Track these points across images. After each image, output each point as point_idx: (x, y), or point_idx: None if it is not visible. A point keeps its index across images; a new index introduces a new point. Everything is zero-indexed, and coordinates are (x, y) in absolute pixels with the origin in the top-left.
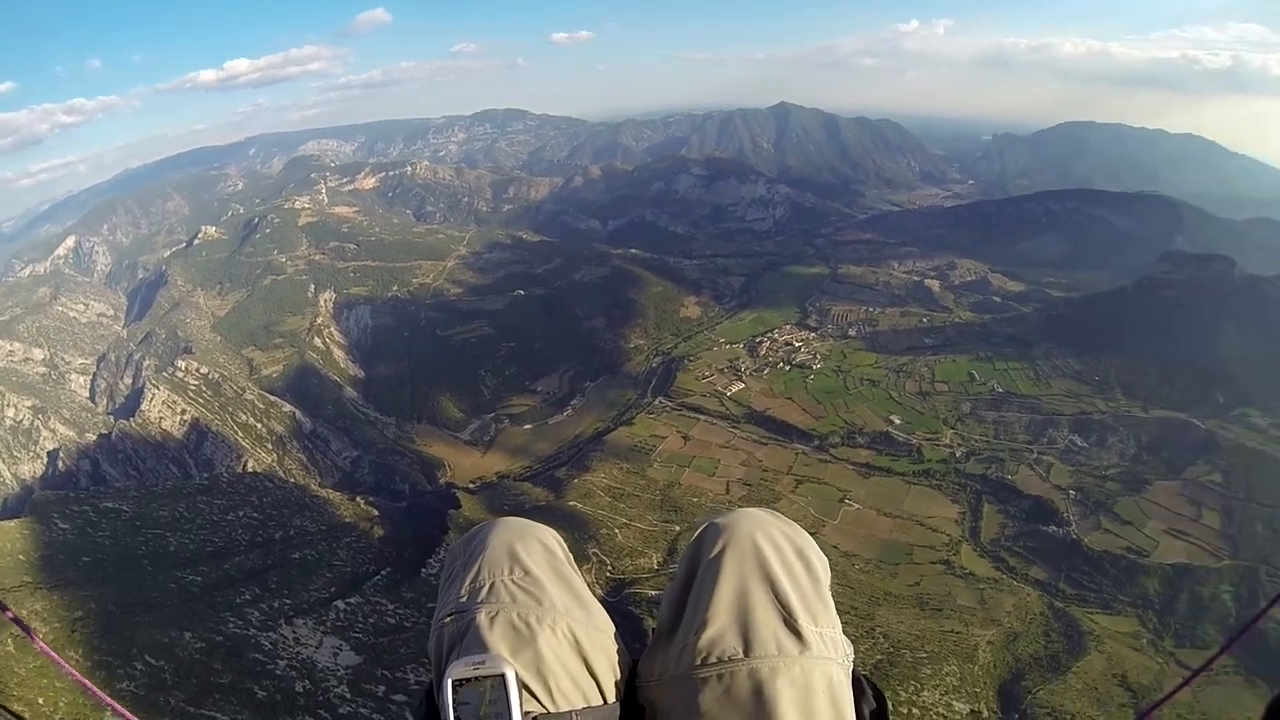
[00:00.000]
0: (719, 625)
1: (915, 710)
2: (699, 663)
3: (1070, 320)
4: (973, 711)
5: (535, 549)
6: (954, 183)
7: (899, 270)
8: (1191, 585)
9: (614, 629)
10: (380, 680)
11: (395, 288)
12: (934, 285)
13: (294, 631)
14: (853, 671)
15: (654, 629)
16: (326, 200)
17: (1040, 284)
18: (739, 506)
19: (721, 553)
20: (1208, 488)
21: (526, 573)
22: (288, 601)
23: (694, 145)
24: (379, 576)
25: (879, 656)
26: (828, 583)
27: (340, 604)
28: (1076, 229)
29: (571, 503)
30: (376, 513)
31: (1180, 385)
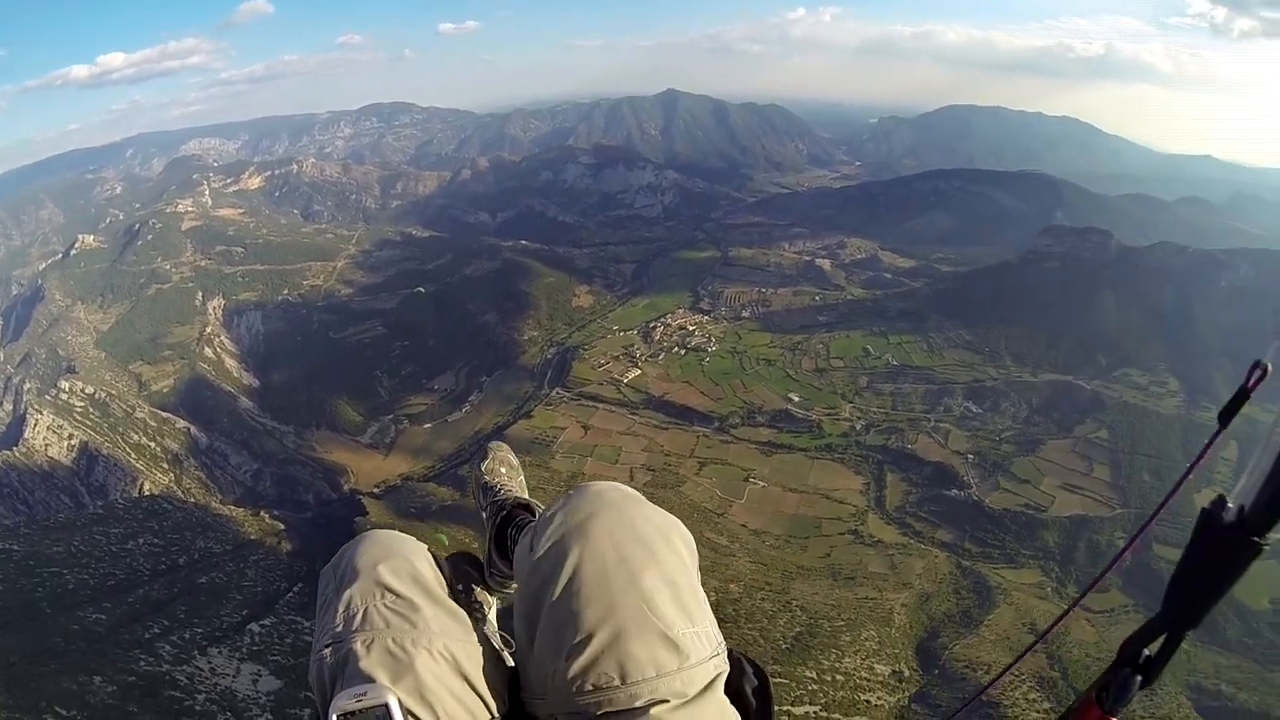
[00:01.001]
0: (590, 652)
1: (839, 677)
2: (574, 690)
3: (960, 293)
4: (894, 672)
5: (403, 569)
6: (842, 164)
7: (790, 251)
8: (1088, 535)
9: (495, 640)
10: (305, 703)
11: (286, 291)
12: (825, 264)
13: (209, 662)
14: (730, 653)
15: (513, 639)
16: (211, 202)
17: (929, 260)
18: (587, 484)
19: (581, 566)
20: (1096, 444)
21: (397, 595)
22: (199, 630)
23: (582, 134)
24: (291, 594)
25: (798, 629)
26: (695, 562)
27: (254, 627)
28: (963, 206)
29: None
30: (282, 526)
31: (1065, 350)
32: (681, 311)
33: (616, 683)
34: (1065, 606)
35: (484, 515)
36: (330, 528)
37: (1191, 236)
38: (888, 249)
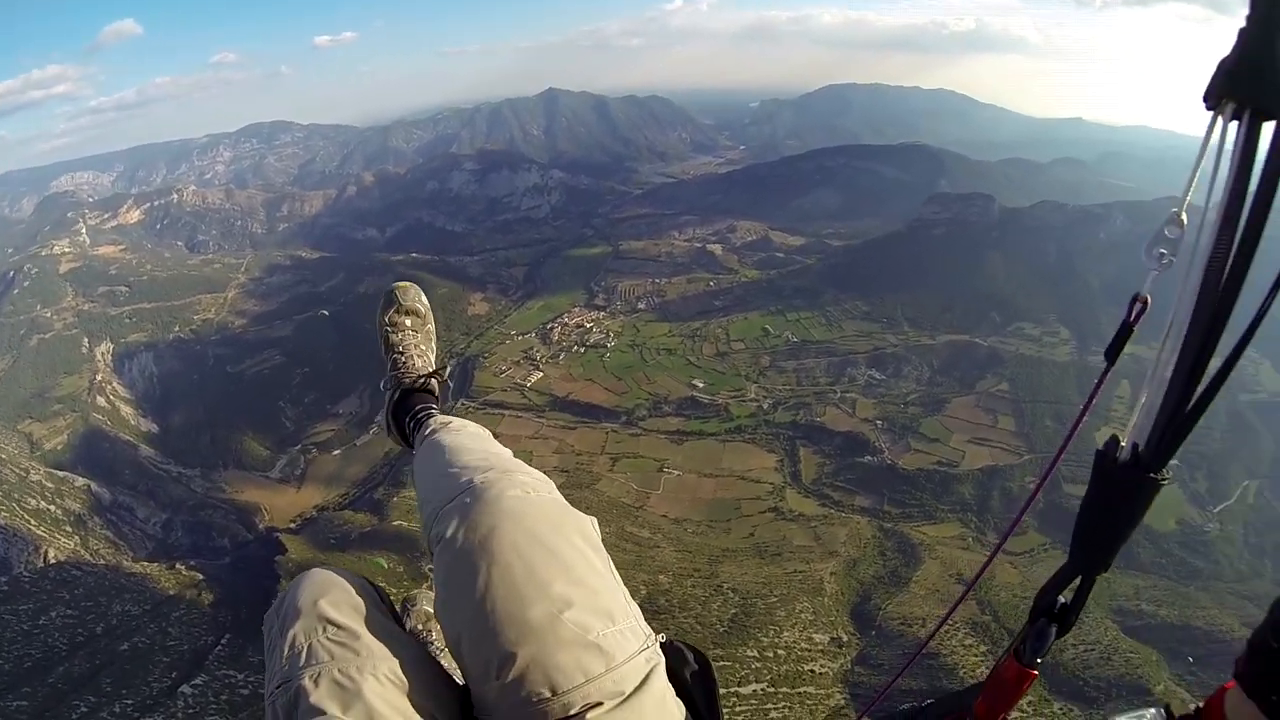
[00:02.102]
0: (517, 670)
1: (780, 651)
2: (510, 706)
3: (852, 266)
4: (832, 639)
5: (342, 600)
6: (726, 149)
7: (680, 239)
8: (1000, 483)
9: (444, 660)
10: None
11: (177, 328)
12: (716, 249)
13: None
14: (668, 642)
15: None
16: (89, 241)
17: (820, 236)
18: (484, 487)
19: (490, 585)
20: (999, 396)
21: (339, 627)
22: (129, 702)
23: (465, 141)
24: (220, 647)
25: (733, 610)
26: (604, 557)
27: (186, 689)
28: (848, 182)
29: (396, 523)
30: (201, 576)
31: (960, 311)
32: (577, 310)
33: (548, 695)
34: (987, 554)
35: (386, 377)
36: (250, 570)
37: (1068, 194)
38: (778, 229)
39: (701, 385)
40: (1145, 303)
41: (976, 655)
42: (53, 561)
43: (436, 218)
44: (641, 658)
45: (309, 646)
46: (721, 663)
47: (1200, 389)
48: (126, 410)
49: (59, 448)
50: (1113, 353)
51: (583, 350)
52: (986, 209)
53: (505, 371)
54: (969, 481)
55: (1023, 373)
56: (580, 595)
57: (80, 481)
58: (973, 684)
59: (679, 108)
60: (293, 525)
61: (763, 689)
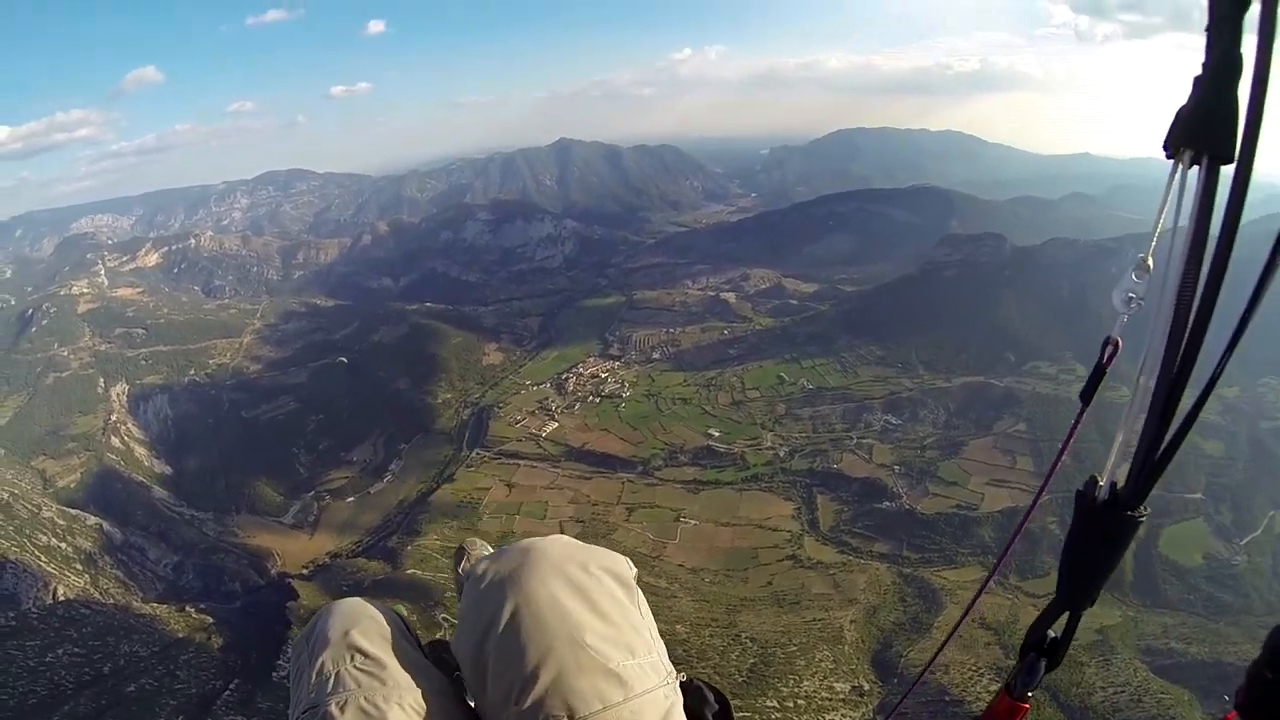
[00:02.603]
0: (536, 693)
1: (800, 701)
2: None
3: (866, 311)
4: (854, 688)
5: (371, 630)
6: (737, 197)
7: (694, 288)
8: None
9: (460, 692)
10: None
11: (192, 371)
12: (730, 298)
13: None
14: (689, 681)
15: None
16: (107, 283)
17: (833, 282)
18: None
19: (516, 612)
20: (1016, 437)
21: (366, 656)
22: None
23: (478, 190)
24: (229, 692)
25: (751, 660)
26: (638, 593)
27: None
28: (860, 226)
29: (410, 571)
30: (211, 620)
31: (975, 353)
32: (592, 360)
33: (565, 719)
34: (1010, 597)
35: None
36: (261, 616)
37: (1079, 230)
38: (790, 276)
39: (717, 434)
40: (1117, 345)
41: None
42: (62, 599)
43: (451, 267)
44: (660, 693)
45: (337, 674)
46: (741, 714)
47: (1173, 428)
48: (140, 451)
49: (72, 486)
50: (1088, 394)
51: (598, 400)
52: (998, 248)
53: (520, 421)
54: (989, 524)
55: (1040, 412)
56: (604, 628)
57: (92, 520)
58: (976, 716)
59: (690, 156)
60: (305, 571)
61: None
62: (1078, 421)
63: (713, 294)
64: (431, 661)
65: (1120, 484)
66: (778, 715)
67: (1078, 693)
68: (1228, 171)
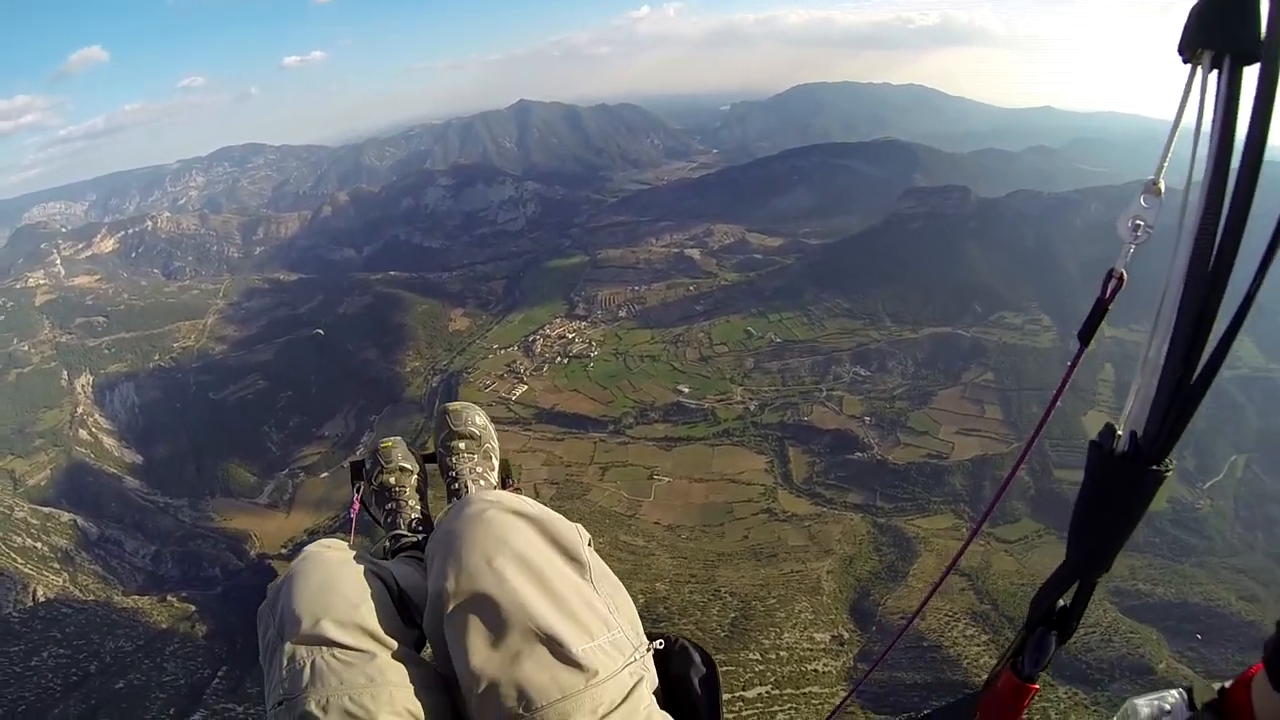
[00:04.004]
0: (487, 684)
1: (782, 653)
2: (488, 718)
3: (831, 264)
4: (834, 637)
5: (344, 614)
6: (699, 154)
7: (657, 246)
8: (991, 472)
9: (448, 679)
10: None
11: (157, 357)
12: (695, 254)
13: None
14: (673, 643)
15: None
16: (64, 272)
17: (797, 236)
18: (466, 500)
19: (459, 593)
20: (984, 386)
21: (345, 646)
22: None
23: (438, 156)
24: (218, 680)
25: (732, 614)
26: (594, 563)
27: None
28: (823, 180)
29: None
30: (194, 608)
31: (941, 303)
32: (559, 321)
33: (521, 712)
34: (978, 542)
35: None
36: (243, 599)
37: (1042, 182)
38: (755, 230)
39: (687, 390)
40: (1121, 279)
41: (978, 645)
42: (42, 600)
43: (413, 235)
44: (626, 672)
45: (312, 664)
46: (725, 668)
47: (1200, 368)
48: (109, 442)
49: (42, 483)
50: (1086, 333)
51: (566, 361)
52: (962, 200)
53: (490, 386)
54: (959, 472)
55: (1007, 361)
56: (559, 613)
57: (66, 517)
58: (967, 695)
59: (650, 114)
60: (284, 551)
61: (767, 691)
62: (1076, 362)
63: (677, 251)
64: (394, 551)
65: (1140, 434)
66: (761, 668)
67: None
68: (1252, 74)
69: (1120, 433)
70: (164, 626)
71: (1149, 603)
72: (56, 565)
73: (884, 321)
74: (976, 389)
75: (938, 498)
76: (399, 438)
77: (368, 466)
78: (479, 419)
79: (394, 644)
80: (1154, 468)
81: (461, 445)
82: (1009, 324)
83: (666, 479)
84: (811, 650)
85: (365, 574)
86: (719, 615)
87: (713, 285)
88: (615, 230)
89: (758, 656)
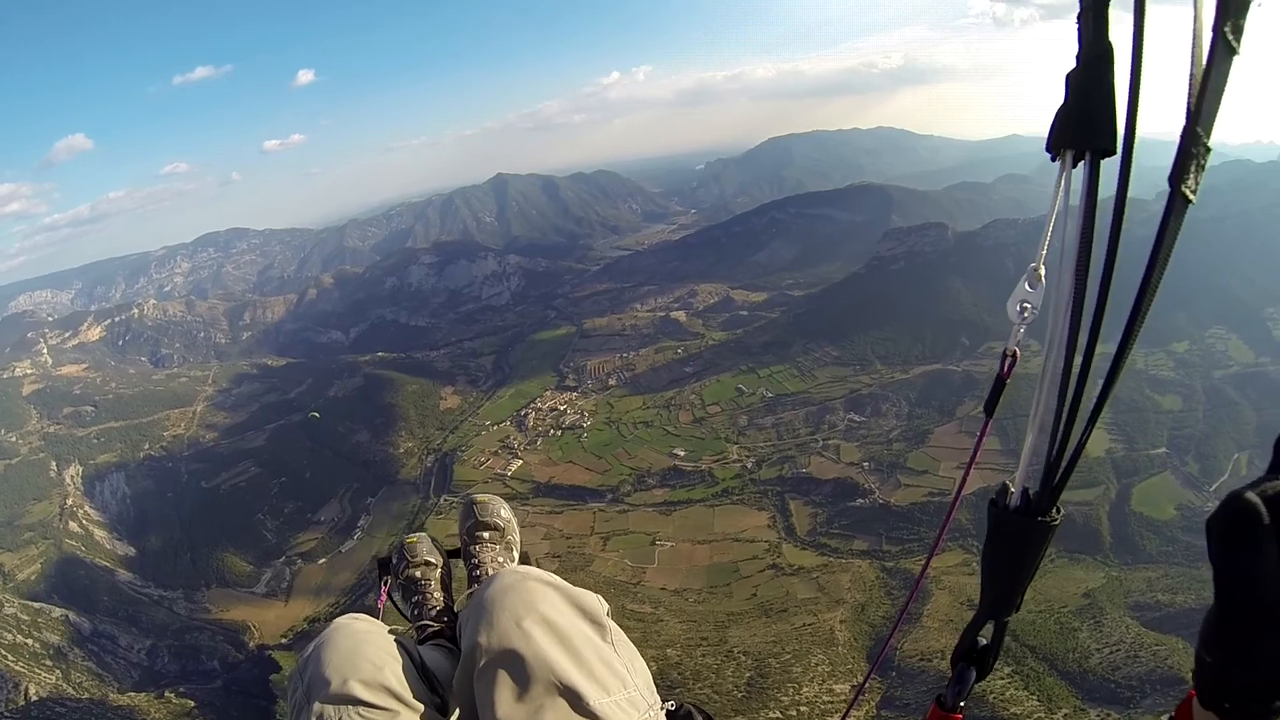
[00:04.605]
0: None
1: (803, 708)
2: None
3: (817, 314)
4: (853, 687)
5: (373, 678)
6: (677, 215)
7: (643, 310)
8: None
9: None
10: None
11: (147, 446)
12: (680, 316)
13: None
14: (678, 708)
15: None
16: (50, 361)
17: (781, 288)
18: (496, 574)
19: (488, 652)
20: (979, 419)
21: (372, 706)
22: None
23: (419, 234)
24: None
25: (748, 674)
26: (613, 628)
27: None
28: (802, 231)
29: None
30: (193, 704)
31: (929, 341)
32: (549, 393)
33: None
34: (978, 568)
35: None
36: (244, 693)
37: (1016, 209)
38: (739, 287)
39: (683, 453)
40: (1015, 356)
41: (1002, 678)
42: (34, 699)
43: (399, 314)
44: None
45: None
46: None
47: (1078, 431)
48: (100, 534)
49: (32, 578)
50: (990, 407)
51: (559, 433)
52: (940, 237)
53: (485, 463)
54: (964, 507)
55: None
56: (579, 670)
57: (57, 612)
58: None
59: (627, 179)
60: (284, 641)
61: None
62: (982, 434)
63: (662, 314)
64: (421, 640)
65: (1032, 490)
66: None
67: (1074, 657)
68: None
69: (1013, 490)
70: None
71: (1170, 613)
72: (49, 662)
73: (874, 365)
74: (972, 422)
75: (945, 536)
76: (424, 533)
77: (394, 561)
78: (504, 512)
79: (418, 705)
80: (1042, 519)
81: (486, 535)
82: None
83: (669, 543)
84: (832, 703)
85: (392, 642)
86: (734, 676)
87: (700, 346)
88: (600, 298)
89: (778, 715)
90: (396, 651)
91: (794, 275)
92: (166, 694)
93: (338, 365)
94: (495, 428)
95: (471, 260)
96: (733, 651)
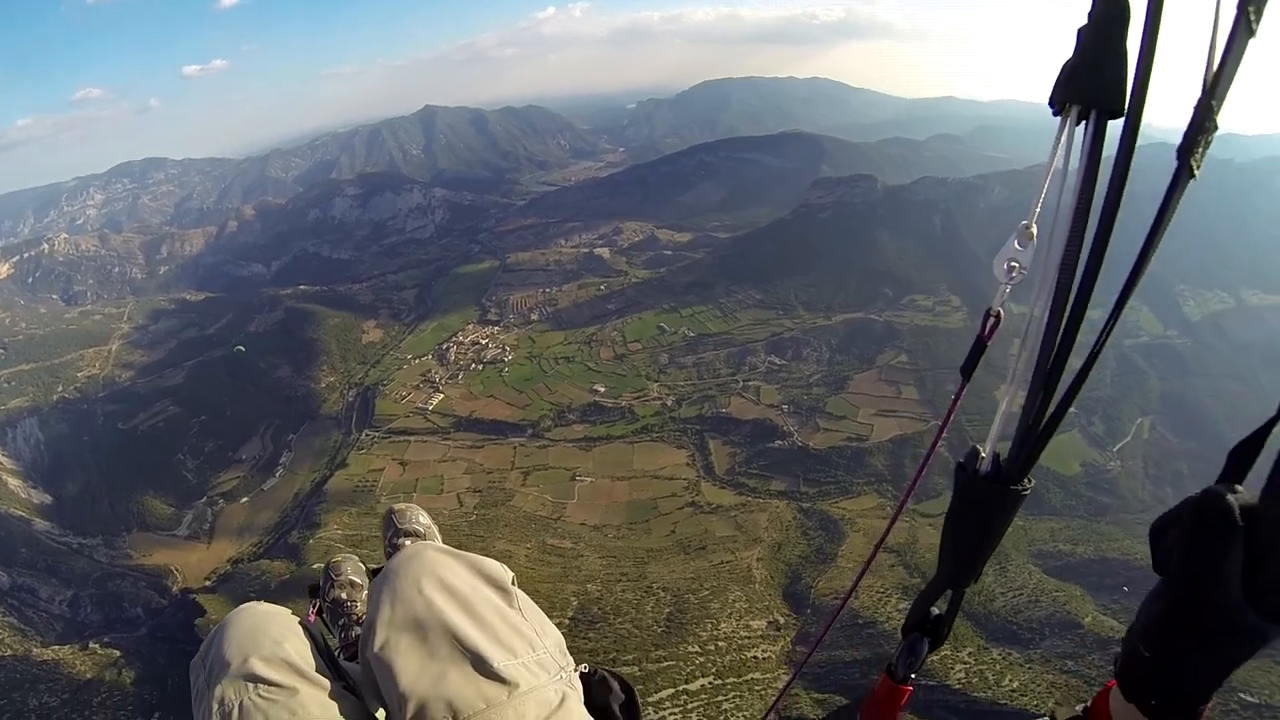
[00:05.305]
0: (417, 700)
1: (721, 643)
2: None
3: (742, 257)
4: (770, 623)
5: (274, 654)
6: (606, 154)
7: (567, 246)
8: (911, 451)
9: (375, 702)
10: None
11: (60, 388)
12: (604, 253)
13: None
14: (592, 672)
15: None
16: None
17: (707, 230)
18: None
19: (392, 617)
20: (899, 368)
21: (269, 684)
22: None
23: (345, 165)
24: None
25: (667, 610)
26: (519, 594)
27: None
28: (731, 174)
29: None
30: (118, 653)
31: (853, 290)
32: (471, 327)
33: None
34: (903, 519)
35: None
36: (170, 639)
37: (947, 169)
38: (664, 227)
39: (603, 390)
40: (999, 317)
41: None
42: None
43: (322, 247)
44: (551, 687)
45: (240, 705)
46: (665, 662)
47: (1056, 399)
48: (14, 483)
49: None
50: (968, 368)
51: (481, 367)
52: (869, 189)
53: (406, 397)
54: (880, 453)
55: (920, 343)
56: (483, 634)
57: None
58: (857, 698)
59: (557, 115)
60: (208, 583)
61: (710, 682)
62: (958, 396)
63: (586, 250)
64: (348, 659)
65: (1003, 456)
66: (701, 660)
67: (980, 600)
68: (1116, 126)
69: (984, 455)
70: (89, 676)
71: (1070, 562)
72: None
73: (797, 310)
74: (892, 371)
75: (860, 479)
76: (353, 555)
77: (320, 582)
78: (423, 518)
79: (321, 681)
80: (1013, 488)
81: (408, 543)
82: (920, 306)
83: (589, 479)
84: (749, 638)
85: (294, 620)
86: (654, 611)
87: (624, 283)
88: (524, 233)
89: (697, 649)
90: (298, 629)
91: (720, 218)
92: (91, 645)
93: (259, 299)
94: (417, 361)
95: (397, 193)
96: (652, 587)
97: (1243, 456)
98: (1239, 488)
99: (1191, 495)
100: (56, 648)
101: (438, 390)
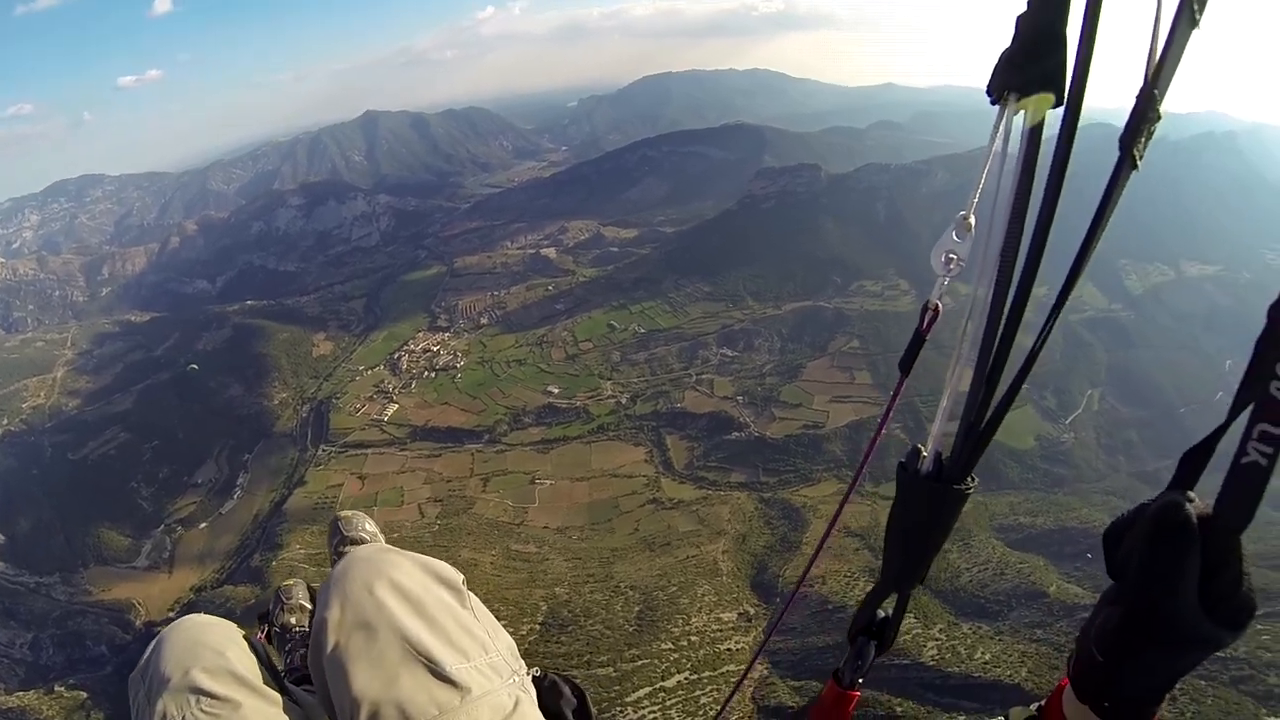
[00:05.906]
0: (369, 706)
1: (693, 638)
2: None
3: (689, 251)
4: (740, 614)
5: (216, 665)
6: (549, 153)
7: (513, 248)
8: (868, 435)
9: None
10: None
11: (5, 421)
12: (550, 253)
13: None
14: (543, 677)
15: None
16: None
17: (652, 225)
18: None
19: (341, 620)
20: (851, 354)
21: (213, 697)
22: None
23: (286, 175)
24: None
25: (637, 608)
26: (471, 596)
27: None
28: (674, 168)
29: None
30: (85, 695)
31: (801, 279)
32: (422, 335)
33: None
34: (870, 504)
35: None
36: None
37: (889, 155)
38: (610, 224)
39: (557, 391)
40: (937, 310)
41: None
42: None
43: (267, 259)
44: (504, 692)
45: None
46: (640, 661)
47: (999, 395)
48: None
49: None
50: (906, 363)
51: (433, 375)
52: (813, 178)
53: (360, 409)
54: (837, 439)
55: (870, 328)
56: (435, 638)
57: None
58: (805, 705)
59: (498, 116)
60: (171, 615)
61: (686, 678)
62: (897, 391)
63: (533, 251)
64: (294, 683)
65: (945, 454)
66: (675, 656)
67: (946, 577)
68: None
69: (925, 454)
70: None
71: (1031, 534)
72: None
73: (746, 301)
74: (844, 357)
75: (819, 466)
76: (301, 579)
77: (271, 607)
78: (369, 525)
79: (267, 692)
80: (956, 487)
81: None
82: (869, 292)
83: (549, 482)
84: (721, 630)
85: (236, 631)
86: (624, 611)
87: (571, 283)
88: (470, 237)
89: (670, 645)
90: (240, 639)
91: (665, 212)
92: (56, 688)
93: (205, 316)
94: (369, 372)
95: (340, 201)
96: (620, 587)
97: (1194, 462)
98: (1193, 495)
99: (1146, 502)
100: (21, 694)
101: (392, 400)
